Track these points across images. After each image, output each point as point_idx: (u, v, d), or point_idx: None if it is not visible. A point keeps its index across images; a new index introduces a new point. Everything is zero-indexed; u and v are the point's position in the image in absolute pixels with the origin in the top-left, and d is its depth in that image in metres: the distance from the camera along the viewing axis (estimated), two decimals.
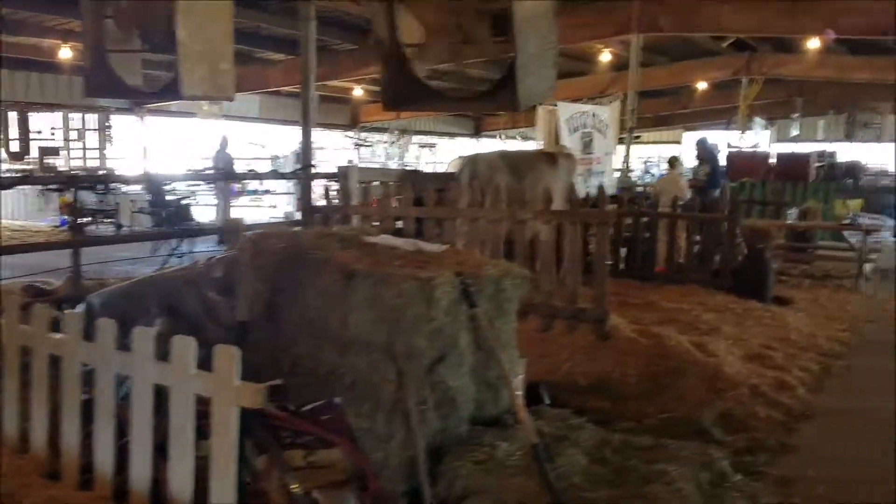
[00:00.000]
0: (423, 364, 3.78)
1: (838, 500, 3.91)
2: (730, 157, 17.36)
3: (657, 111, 26.70)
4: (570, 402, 5.36)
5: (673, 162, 11.31)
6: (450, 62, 6.13)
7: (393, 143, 21.82)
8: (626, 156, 13.08)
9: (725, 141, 21.34)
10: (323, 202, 7.23)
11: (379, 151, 22.00)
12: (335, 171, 7.82)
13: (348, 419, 4.02)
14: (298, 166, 9.41)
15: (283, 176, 9.76)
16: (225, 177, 13.90)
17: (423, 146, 24.65)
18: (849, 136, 25.34)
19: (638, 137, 25.59)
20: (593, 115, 11.45)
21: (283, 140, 22.40)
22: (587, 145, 11.42)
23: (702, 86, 20.11)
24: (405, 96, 6.15)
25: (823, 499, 3.93)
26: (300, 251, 4.14)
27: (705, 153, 10.79)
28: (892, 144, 27.17)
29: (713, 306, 8.00)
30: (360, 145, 20.70)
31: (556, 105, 10.82)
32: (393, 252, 4.40)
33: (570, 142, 10.89)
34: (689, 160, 13.39)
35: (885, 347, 6.97)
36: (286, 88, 20.55)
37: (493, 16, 5.51)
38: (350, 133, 22.67)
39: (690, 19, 12.10)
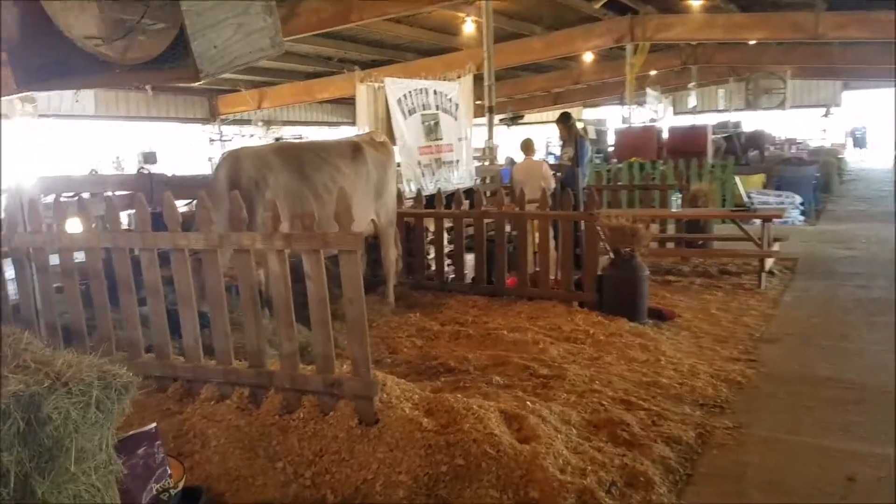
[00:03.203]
0: None
1: None
2: (617, 134, 15.64)
3: (548, 87, 25.07)
4: None
5: (527, 146, 9.35)
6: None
7: (252, 136, 19.38)
8: (489, 141, 11.17)
9: (621, 116, 19.82)
10: None
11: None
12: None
13: None
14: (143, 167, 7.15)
15: None
16: None
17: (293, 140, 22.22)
18: (751, 104, 24.17)
19: (519, 118, 23.96)
20: (435, 94, 9.35)
21: (126, 139, 19.71)
22: (432, 130, 9.35)
23: (588, 57, 18.42)
24: (49, 66, 3.95)
25: None
26: None
27: (567, 131, 8.89)
28: (798, 110, 26.18)
29: (568, 333, 6.12)
30: (217, 140, 18.21)
31: (382, 82, 8.68)
32: None
33: (406, 127, 8.79)
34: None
35: (791, 386, 5.14)
36: None
37: None
38: (207, 127, 20.14)
39: None
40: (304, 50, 16.82)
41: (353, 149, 6.55)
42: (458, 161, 9.86)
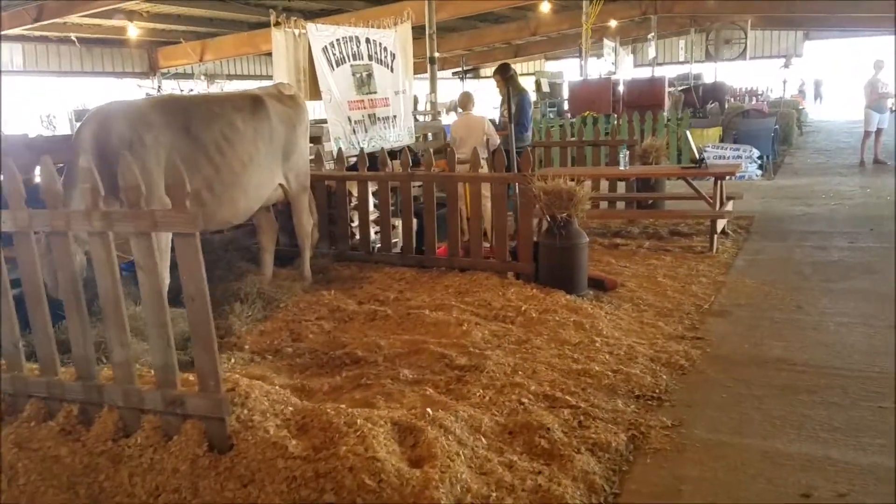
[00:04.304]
0: None
1: None
2: (572, 87, 14.90)
3: (507, 39, 24.16)
4: None
5: (465, 100, 8.58)
6: None
7: (192, 91, 18.26)
8: (431, 95, 10.37)
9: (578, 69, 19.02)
10: None
11: None
12: None
13: None
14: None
15: None
16: None
17: None
18: (711, 55, 23.52)
19: (471, 71, 23.04)
20: (368, 42, 8.51)
21: (60, 95, 18.57)
22: (364, 82, 8.52)
23: (545, 7, 17.53)
24: None
25: None
26: None
27: (504, 84, 8.13)
28: (759, 61, 25.60)
29: (498, 310, 5.48)
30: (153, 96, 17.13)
31: (304, 28, 7.78)
32: None
33: (334, 80, 7.95)
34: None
35: (738, 370, 4.56)
36: (53, 33, 16.88)
37: None
38: (146, 82, 18.97)
39: None
40: None
41: (253, 102, 5.73)
42: (395, 117, 9.06)
